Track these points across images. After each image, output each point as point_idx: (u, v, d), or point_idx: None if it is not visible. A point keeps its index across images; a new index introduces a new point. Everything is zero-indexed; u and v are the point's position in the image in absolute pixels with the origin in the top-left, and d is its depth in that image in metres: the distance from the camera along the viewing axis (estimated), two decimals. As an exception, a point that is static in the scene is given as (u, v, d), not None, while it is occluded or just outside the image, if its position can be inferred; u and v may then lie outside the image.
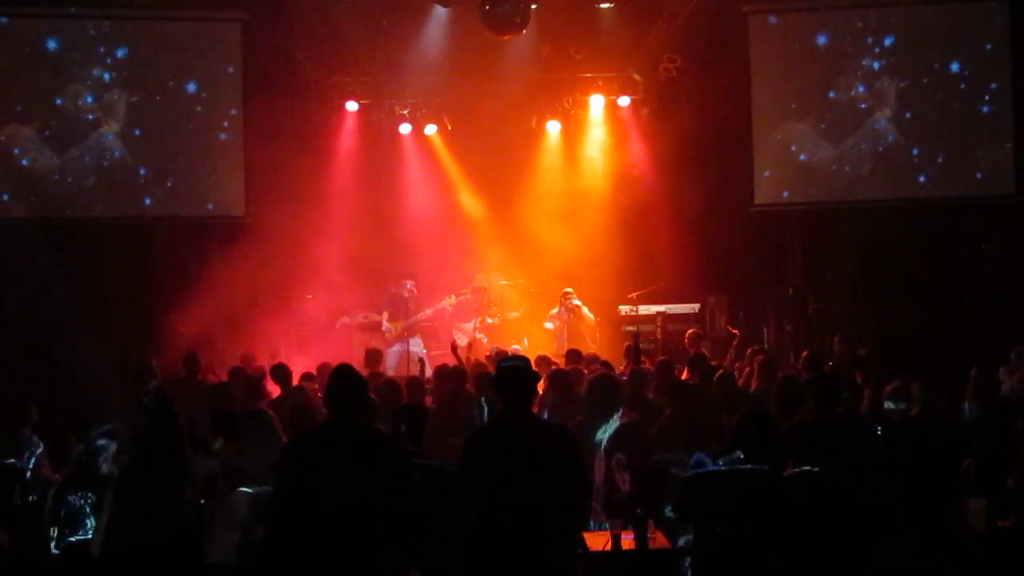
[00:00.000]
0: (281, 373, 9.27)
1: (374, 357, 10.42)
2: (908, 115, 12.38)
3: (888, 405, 7.30)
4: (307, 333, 12.80)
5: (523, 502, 4.71)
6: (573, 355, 10.03)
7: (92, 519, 5.97)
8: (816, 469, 5.20)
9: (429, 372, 9.66)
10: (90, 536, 5.87)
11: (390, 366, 12.01)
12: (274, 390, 9.09)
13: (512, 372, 4.91)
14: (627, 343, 10.94)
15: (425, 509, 5.19)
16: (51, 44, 12.20)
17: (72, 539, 5.95)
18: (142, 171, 12.40)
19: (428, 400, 8.67)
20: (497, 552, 4.75)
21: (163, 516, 4.95)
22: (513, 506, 4.72)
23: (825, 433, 5.53)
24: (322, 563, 4.54)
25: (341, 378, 4.82)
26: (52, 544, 5.99)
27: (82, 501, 6.10)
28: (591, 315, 12.53)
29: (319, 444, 4.78)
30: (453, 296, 12.90)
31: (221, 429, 6.90)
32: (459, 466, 4.95)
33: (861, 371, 8.63)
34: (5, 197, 12.08)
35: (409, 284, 12.92)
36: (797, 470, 5.22)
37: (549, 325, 12.72)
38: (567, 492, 4.82)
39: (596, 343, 12.26)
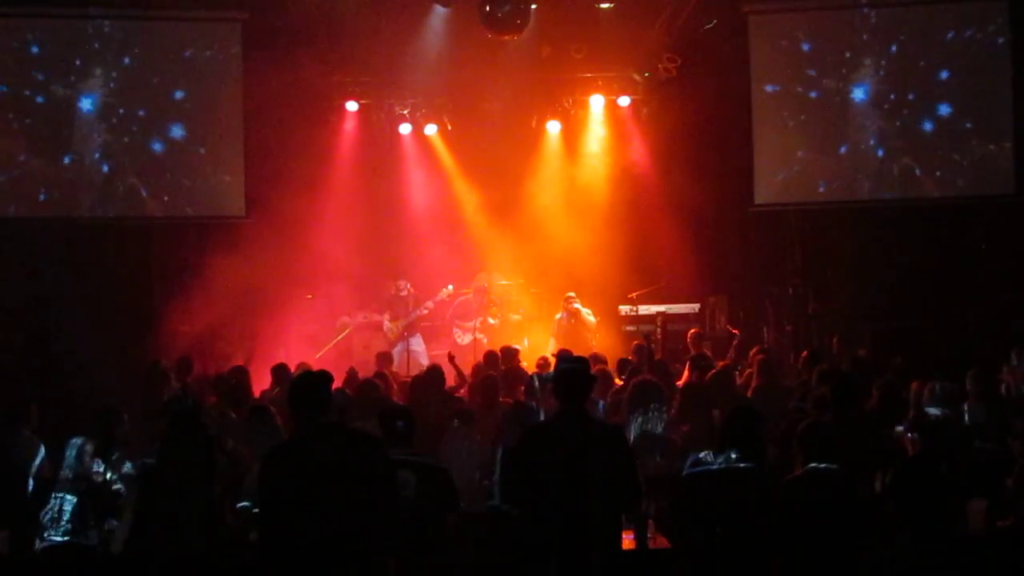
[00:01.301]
0: (281, 373, 9.30)
1: (385, 360, 10.54)
2: (907, 115, 12.37)
3: (931, 410, 6.88)
4: (307, 333, 12.80)
5: (578, 501, 4.80)
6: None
7: (79, 519, 5.97)
8: (826, 467, 5.18)
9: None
10: (68, 538, 5.87)
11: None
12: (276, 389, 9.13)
13: (571, 373, 5.10)
14: (636, 342, 10.93)
15: (414, 506, 5.23)
16: (50, 43, 12.18)
17: (58, 539, 5.93)
18: (141, 171, 12.39)
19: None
20: (551, 549, 4.81)
21: (194, 515, 4.97)
22: (568, 504, 4.80)
23: (840, 434, 5.48)
24: (309, 565, 4.53)
25: (299, 383, 4.84)
26: (43, 543, 5.99)
27: (68, 501, 6.09)
28: (592, 319, 12.53)
29: (295, 449, 4.79)
30: (451, 285, 12.90)
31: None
32: (513, 461, 5.01)
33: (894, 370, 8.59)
34: (4, 197, 12.07)
35: (403, 283, 12.93)
36: (808, 467, 5.19)
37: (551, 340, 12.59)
38: (620, 492, 4.92)
39: (598, 346, 12.25)
